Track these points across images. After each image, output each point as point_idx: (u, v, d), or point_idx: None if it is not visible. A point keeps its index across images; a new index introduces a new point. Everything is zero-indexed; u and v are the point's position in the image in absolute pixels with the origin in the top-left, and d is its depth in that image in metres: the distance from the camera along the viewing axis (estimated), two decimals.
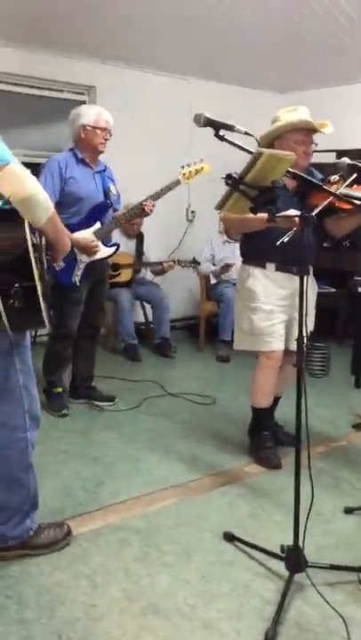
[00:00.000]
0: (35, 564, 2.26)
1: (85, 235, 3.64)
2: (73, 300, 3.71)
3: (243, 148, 2.09)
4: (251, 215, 2.75)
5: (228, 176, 1.94)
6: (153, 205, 3.80)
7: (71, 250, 2.27)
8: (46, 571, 2.24)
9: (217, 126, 2.12)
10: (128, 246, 5.34)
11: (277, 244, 2.60)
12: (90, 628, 1.96)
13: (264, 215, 2.65)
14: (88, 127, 3.67)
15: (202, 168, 4.03)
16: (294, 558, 2.13)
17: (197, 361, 5.21)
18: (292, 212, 2.50)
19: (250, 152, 2.06)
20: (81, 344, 3.98)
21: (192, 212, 6.25)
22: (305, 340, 2.11)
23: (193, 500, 2.81)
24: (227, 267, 5.34)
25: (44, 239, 2.10)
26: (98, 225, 3.72)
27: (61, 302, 3.60)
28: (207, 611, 2.06)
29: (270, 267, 3.05)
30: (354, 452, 3.40)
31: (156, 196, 3.82)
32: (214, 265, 5.51)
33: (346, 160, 2.71)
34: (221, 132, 2.09)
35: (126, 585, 2.18)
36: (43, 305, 1.94)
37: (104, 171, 3.87)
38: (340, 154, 5.43)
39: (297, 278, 3.04)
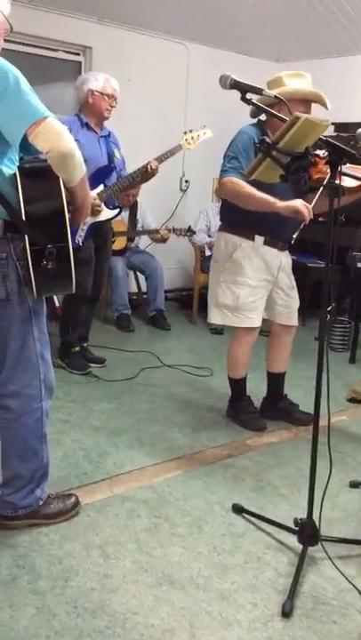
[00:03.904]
0: (44, 534, 2.23)
1: None
2: (83, 260, 3.67)
3: (274, 114, 2.03)
4: (267, 197, 2.68)
5: (262, 141, 1.86)
6: (156, 166, 3.77)
7: None
8: (57, 540, 2.20)
9: (243, 89, 2.04)
10: (122, 215, 5.22)
11: (292, 242, 2.63)
12: (106, 598, 1.94)
13: (278, 202, 2.65)
14: (96, 92, 3.68)
15: (204, 134, 4.06)
16: (309, 531, 2.13)
17: (191, 333, 5.16)
18: None
19: (282, 119, 1.99)
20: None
21: (186, 181, 6.12)
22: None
23: (198, 472, 2.79)
24: None
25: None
26: (101, 187, 3.68)
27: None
28: (222, 582, 2.05)
29: (259, 240, 2.98)
30: (355, 426, 3.40)
31: (159, 160, 3.80)
32: (210, 236, 5.43)
33: None
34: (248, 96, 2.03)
35: (139, 556, 2.16)
36: (72, 268, 1.87)
37: (108, 136, 3.85)
38: (336, 127, 5.38)
39: (280, 253, 3.07)
